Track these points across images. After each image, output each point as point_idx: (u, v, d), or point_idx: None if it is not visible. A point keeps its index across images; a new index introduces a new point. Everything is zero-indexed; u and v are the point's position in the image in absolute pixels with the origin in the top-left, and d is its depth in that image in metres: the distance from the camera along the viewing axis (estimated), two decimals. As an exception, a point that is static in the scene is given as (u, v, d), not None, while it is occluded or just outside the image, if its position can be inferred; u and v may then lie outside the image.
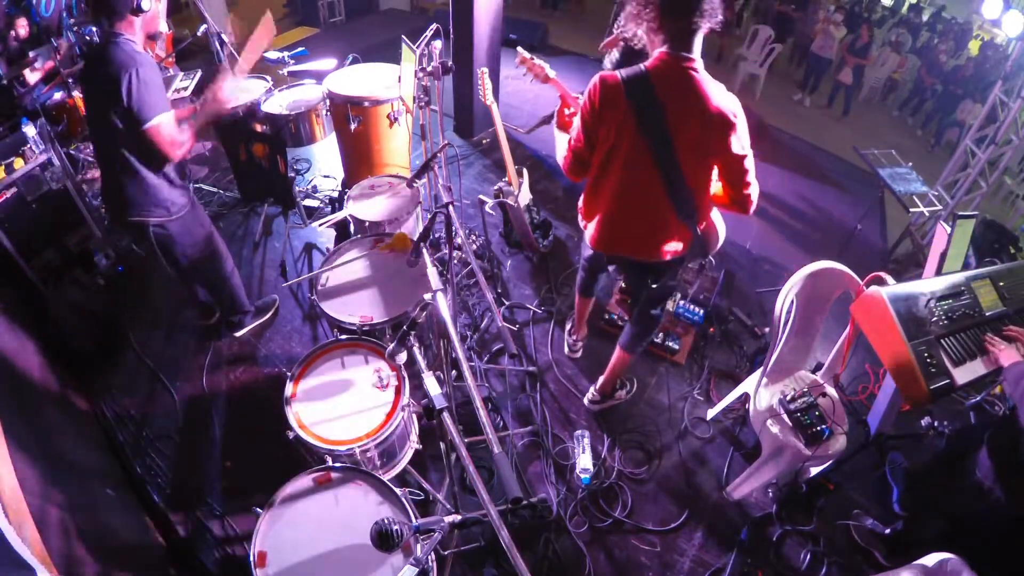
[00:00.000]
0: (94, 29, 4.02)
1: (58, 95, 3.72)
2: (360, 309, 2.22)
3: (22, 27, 3.55)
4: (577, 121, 1.87)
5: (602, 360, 2.97)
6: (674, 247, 1.97)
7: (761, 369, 2.28)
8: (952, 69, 7.79)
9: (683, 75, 1.65)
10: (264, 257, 3.46)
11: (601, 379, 2.64)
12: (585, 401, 2.68)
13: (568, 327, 3.04)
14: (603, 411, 2.72)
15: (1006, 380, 1.74)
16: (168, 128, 2.02)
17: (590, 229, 2.08)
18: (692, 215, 1.88)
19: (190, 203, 2.37)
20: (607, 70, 3.73)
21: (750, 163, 1.77)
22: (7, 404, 1.92)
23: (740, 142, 1.72)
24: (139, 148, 2.06)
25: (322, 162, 4.29)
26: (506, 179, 3.21)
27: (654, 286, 2.15)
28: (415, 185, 2.86)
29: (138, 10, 1.94)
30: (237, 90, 2.19)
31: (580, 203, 2.14)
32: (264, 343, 2.95)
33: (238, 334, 2.91)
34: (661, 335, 2.98)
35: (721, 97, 1.68)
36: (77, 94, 3.69)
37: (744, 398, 2.61)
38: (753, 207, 1.86)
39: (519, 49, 2.46)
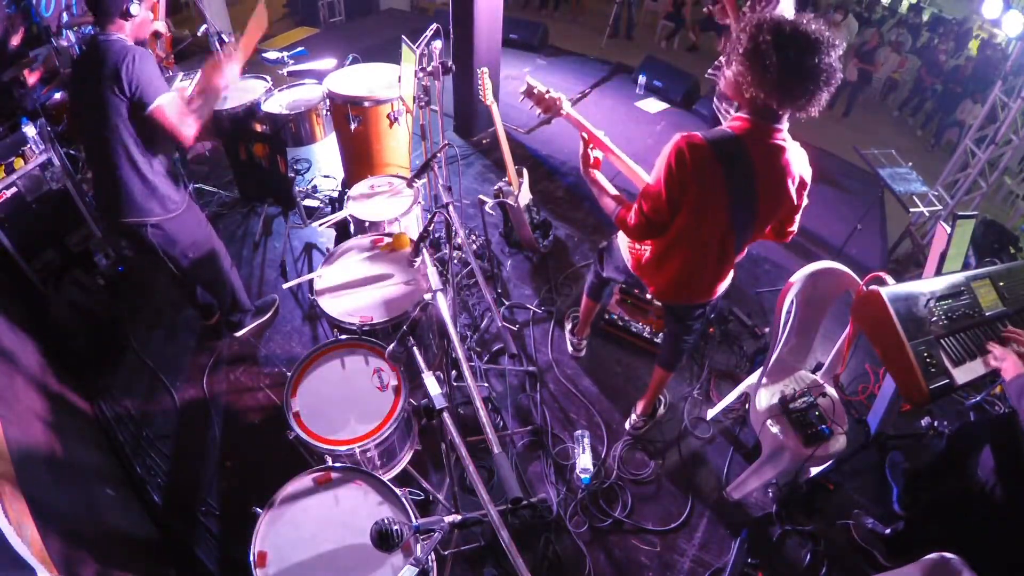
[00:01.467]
0: (93, 29, 4.03)
1: (58, 95, 3.72)
2: (360, 309, 2.22)
3: (19, 27, 3.56)
4: (656, 189, 1.70)
5: (602, 360, 2.98)
6: (727, 283, 2.04)
7: (761, 369, 2.28)
8: (952, 69, 7.80)
9: (772, 142, 1.63)
10: (264, 257, 3.46)
11: (642, 403, 2.60)
12: (627, 427, 2.64)
13: (569, 327, 3.04)
14: (606, 411, 2.72)
15: (1009, 394, 1.73)
16: (173, 107, 2.06)
17: (653, 283, 2.04)
18: (742, 253, 1.94)
19: (186, 201, 2.38)
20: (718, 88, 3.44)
21: (803, 207, 1.83)
22: (7, 404, 1.92)
23: (806, 197, 1.78)
24: (144, 137, 2.11)
25: (322, 162, 4.29)
26: (506, 179, 3.21)
27: (711, 315, 2.17)
28: (415, 185, 2.88)
29: (127, 14, 2.02)
30: (235, 75, 2.20)
31: (638, 254, 2.05)
32: (264, 343, 2.95)
33: (238, 334, 2.91)
34: (661, 335, 2.98)
35: (800, 160, 1.70)
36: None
37: (744, 398, 2.62)
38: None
39: (528, 79, 2.01)
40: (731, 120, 1.66)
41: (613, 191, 1.89)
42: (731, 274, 2.03)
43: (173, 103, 2.06)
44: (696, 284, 1.98)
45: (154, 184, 2.21)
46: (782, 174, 1.66)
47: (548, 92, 1.97)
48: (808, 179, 1.74)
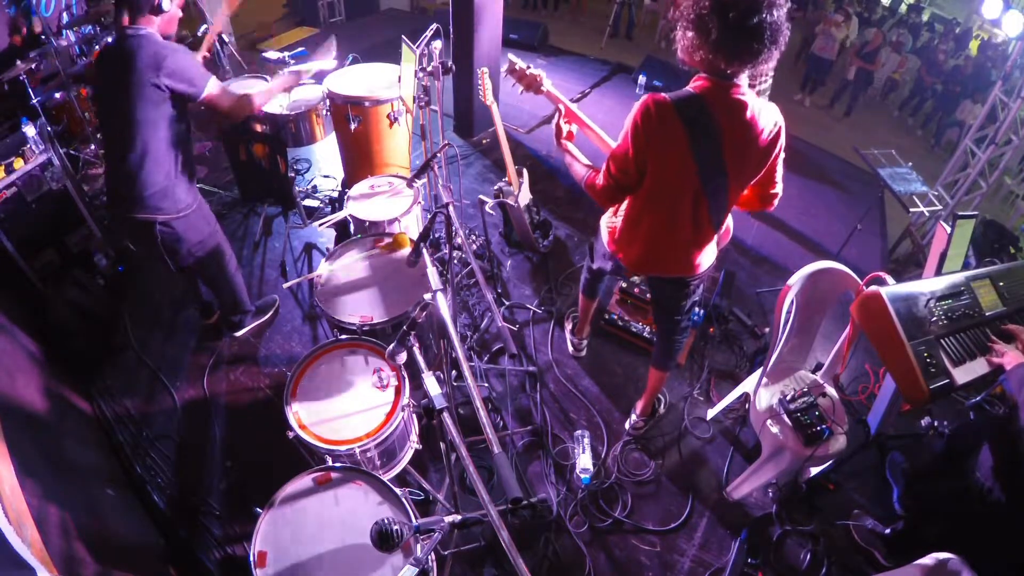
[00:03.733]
0: (93, 29, 4.03)
1: (58, 95, 3.72)
2: (360, 309, 2.22)
3: (20, 27, 3.56)
4: (623, 149, 1.73)
5: (602, 360, 2.98)
6: (708, 258, 2.01)
7: (761, 369, 2.28)
8: (952, 69, 7.79)
9: (733, 98, 1.63)
10: (264, 257, 3.46)
11: (641, 403, 2.60)
12: (627, 427, 2.64)
13: (569, 327, 3.04)
14: (606, 411, 2.72)
15: (1009, 382, 1.73)
16: (218, 89, 2.18)
17: (628, 254, 2.03)
18: (722, 224, 1.91)
19: (197, 201, 2.38)
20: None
21: (781, 163, 1.81)
22: (7, 404, 1.92)
23: (782, 151, 1.77)
24: (183, 130, 2.19)
25: (322, 162, 4.29)
26: (506, 179, 3.21)
27: (687, 301, 2.15)
28: (415, 185, 2.88)
29: (159, 9, 2.07)
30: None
31: (613, 228, 2.06)
32: (264, 343, 2.95)
33: (238, 334, 2.91)
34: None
35: (768, 114, 1.69)
36: (76, 94, 3.70)
37: (744, 398, 2.62)
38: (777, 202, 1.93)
39: (510, 56, 2.12)
40: (693, 81, 1.69)
41: (584, 160, 1.95)
42: (713, 250, 2.00)
43: (218, 85, 2.17)
44: (670, 252, 1.96)
45: (172, 182, 2.22)
46: (747, 129, 1.66)
47: (529, 68, 2.06)
48: (781, 131, 1.72)
